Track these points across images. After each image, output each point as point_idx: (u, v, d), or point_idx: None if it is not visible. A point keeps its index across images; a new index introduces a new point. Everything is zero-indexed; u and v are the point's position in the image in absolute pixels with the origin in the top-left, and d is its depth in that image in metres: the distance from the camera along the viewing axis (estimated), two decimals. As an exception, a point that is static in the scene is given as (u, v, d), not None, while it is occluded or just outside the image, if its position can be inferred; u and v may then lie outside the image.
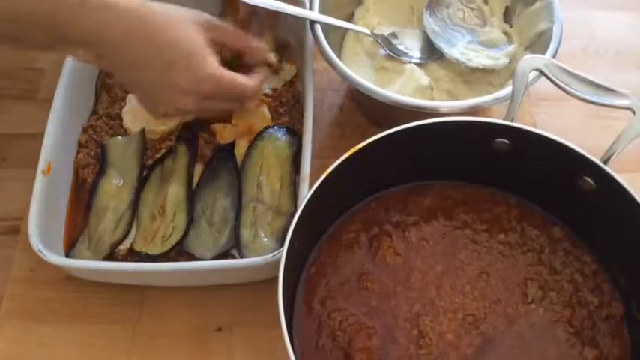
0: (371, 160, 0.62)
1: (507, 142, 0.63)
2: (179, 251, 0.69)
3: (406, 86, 0.76)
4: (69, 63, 0.76)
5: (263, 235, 0.69)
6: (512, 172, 0.65)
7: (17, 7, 0.57)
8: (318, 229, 0.65)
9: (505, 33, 0.82)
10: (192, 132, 0.75)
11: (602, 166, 0.59)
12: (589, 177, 0.60)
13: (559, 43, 0.73)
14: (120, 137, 0.77)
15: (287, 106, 0.78)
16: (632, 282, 0.61)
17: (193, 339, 0.69)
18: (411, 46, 0.81)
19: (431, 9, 0.81)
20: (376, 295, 0.61)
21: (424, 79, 0.77)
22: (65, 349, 0.68)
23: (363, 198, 0.67)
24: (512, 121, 0.62)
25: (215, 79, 0.66)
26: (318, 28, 0.74)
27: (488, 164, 0.65)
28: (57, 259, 0.66)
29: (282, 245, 0.57)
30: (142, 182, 0.73)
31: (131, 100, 0.78)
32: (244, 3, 0.72)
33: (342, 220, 0.66)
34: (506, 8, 0.83)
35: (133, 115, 0.77)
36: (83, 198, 0.74)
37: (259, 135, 0.74)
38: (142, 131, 0.76)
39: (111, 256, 0.69)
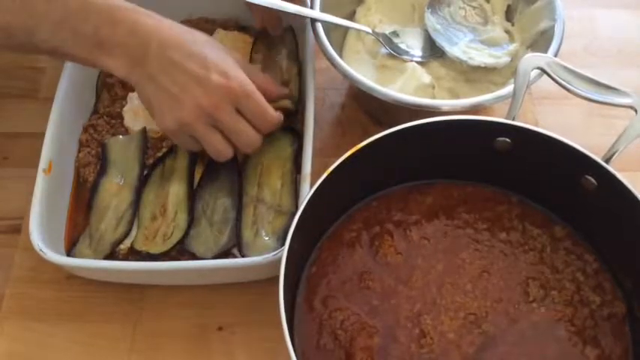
0: (372, 158, 0.62)
1: (509, 140, 0.63)
2: (180, 250, 0.69)
3: (407, 85, 0.76)
4: (69, 62, 0.76)
5: (264, 234, 0.69)
6: (514, 171, 0.65)
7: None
8: (319, 228, 0.65)
9: (507, 31, 0.81)
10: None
11: (604, 164, 0.59)
12: (591, 176, 0.60)
13: (561, 41, 0.73)
14: (121, 136, 0.77)
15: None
16: (634, 281, 0.60)
17: (194, 338, 0.69)
18: (412, 44, 0.81)
19: (432, 7, 0.81)
20: (377, 295, 0.61)
21: (425, 77, 0.77)
22: (66, 348, 0.68)
23: (364, 197, 0.67)
24: (513, 119, 0.62)
25: (245, 82, 0.65)
26: (320, 27, 0.74)
27: (490, 163, 0.65)
28: (58, 258, 0.66)
29: (283, 244, 0.56)
30: (142, 181, 0.73)
31: (132, 99, 0.78)
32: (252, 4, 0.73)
33: (343, 219, 0.66)
34: (508, 6, 0.83)
35: (134, 113, 0.77)
36: (84, 197, 0.74)
37: (260, 134, 0.74)
38: (143, 130, 0.76)
39: (112, 256, 0.69)
